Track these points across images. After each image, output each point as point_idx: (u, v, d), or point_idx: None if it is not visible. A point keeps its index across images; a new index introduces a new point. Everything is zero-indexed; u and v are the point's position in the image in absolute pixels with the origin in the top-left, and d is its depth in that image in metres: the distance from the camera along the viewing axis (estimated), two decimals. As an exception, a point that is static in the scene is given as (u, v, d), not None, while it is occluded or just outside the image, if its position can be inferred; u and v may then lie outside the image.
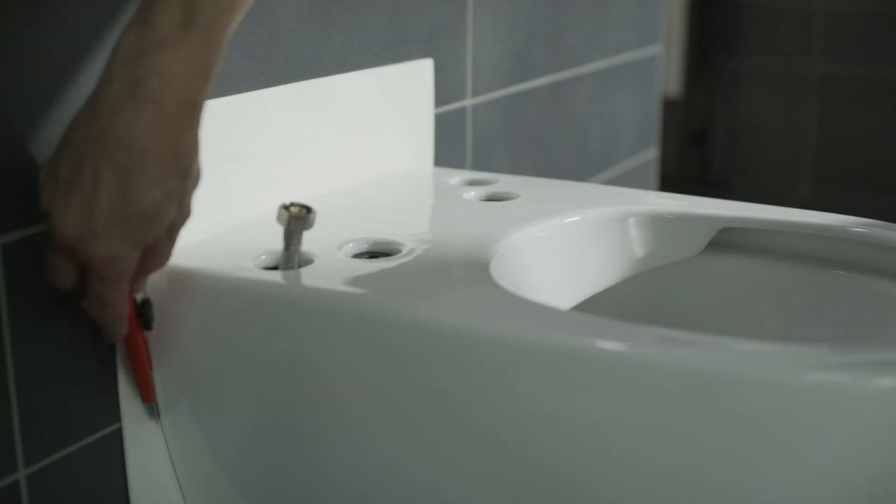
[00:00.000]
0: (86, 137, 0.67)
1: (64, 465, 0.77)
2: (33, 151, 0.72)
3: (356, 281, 0.78)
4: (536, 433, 0.70)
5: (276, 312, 0.78)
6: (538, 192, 1.01)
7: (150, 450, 0.83)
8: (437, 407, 0.74)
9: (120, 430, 0.81)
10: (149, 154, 0.66)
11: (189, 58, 0.66)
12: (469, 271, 0.80)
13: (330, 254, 0.82)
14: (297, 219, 0.78)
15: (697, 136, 2.83)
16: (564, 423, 0.69)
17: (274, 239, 0.82)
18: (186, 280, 0.80)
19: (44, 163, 0.71)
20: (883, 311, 0.90)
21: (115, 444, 0.81)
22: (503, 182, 1.04)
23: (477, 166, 1.22)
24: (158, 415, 0.83)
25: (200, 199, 0.84)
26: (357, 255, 0.84)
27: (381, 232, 0.87)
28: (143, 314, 0.78)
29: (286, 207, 0.78)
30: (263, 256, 0.82)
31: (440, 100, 1.14)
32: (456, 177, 1.07)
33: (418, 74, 1.08)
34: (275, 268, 0.81)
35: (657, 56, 1.66)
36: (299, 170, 0.95)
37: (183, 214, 0.71)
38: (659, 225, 0.96)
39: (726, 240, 0.96)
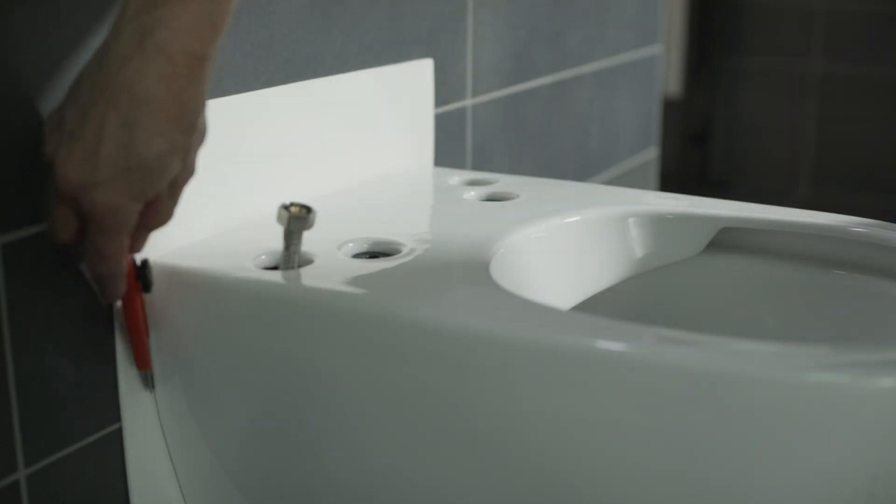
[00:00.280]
0: (93, 88, 0.67)
1: (64, 465, 0.77)
2: (32, 152, 0.72)
3: (356, 281, 0.78)
4: (536, 433, 0.70)
5: (276, 312, 0.78)
6: (538, 192, 1.01)
7: (150, 450, 0.83)
8: (437, 407, 0.74)
9: (120, 430, 0.81)
10: (154, 105, 0.66)
11: (199, 10, 0.66)
12: (469, 271, 0.80)
13: (330, 254, 0.82)
14: (297, 219, 0.78)
15: (697, 136, 2.83)
16: (564, 423, 0.69)
17: (274, 239, 0.82)
18: (186, 280, 0.80)
19: (50, 113, 0.71)
20: (883, 311, 0.90)
21: (115, 444, 0.81)
22: (503, 182, 1.04)
23: (477, 166, 1.22)
24: (153, 385, 0.82)
25: (200, 199, 0.85)
26: (357, 255, 0.84)
27: (381, 232, 0.87)
28: (142, 276, 0.77)
29: (286, 207, 0.78)
30: (263, 256, 0.82)
31: (440, 100, 1.14)
32: (456, 177, 1.07)
33: (418, 74, 1.08)
34: (275, 268, 0.81)
35: (657, 56, 1.66)
36: (299, 170, 0.95)
37: (186, 171, 0.71)
38: (659, 225, 0.96)
39: (726, 240, 0.96)
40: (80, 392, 0.78)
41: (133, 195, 0.68)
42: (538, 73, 1.32)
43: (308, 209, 0.79)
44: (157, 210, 0.72)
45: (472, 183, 1.04)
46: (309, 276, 0.79)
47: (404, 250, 0.84)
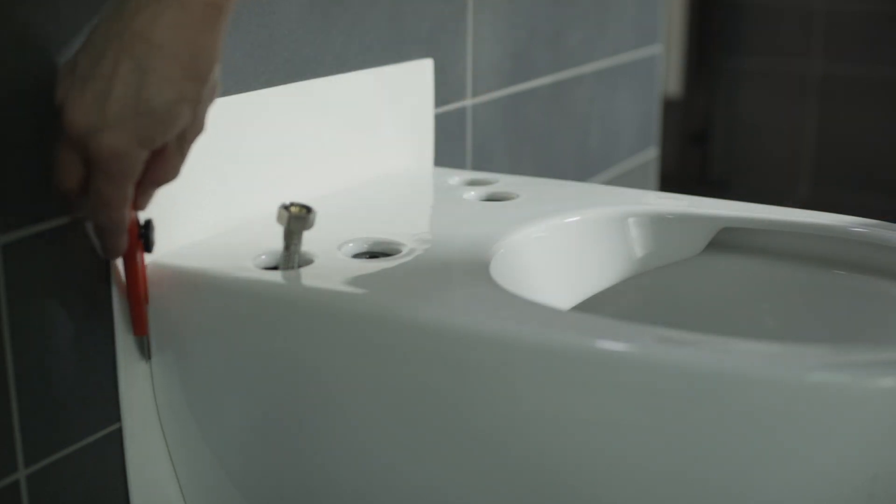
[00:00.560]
0: (108, 34, 0.67)
1: (64, 465, 0.77)
2: (32, 152, 0.72)
3: (356, 281, 0.78)
4: (536, 433, 0.70)
5: (276, 312, 0.78)
6: (538, 192, 1.01)
7: (150, 450, 0.83)
8: (436, 407, 0.74)
9: (120, 430, 0.81)
10: (167, 51, 0.66)
11: None
12: (469, 271, 0.80)
13: (330, 254, 0.82)
14: (297, 219, 0.78)
15: (697, 136, 2.83)
16: (564, 423, 0.69)
17: (274, 239, 0.82)
18: (186, 280, 0.80)
19: (64, 61, 0.71)
20: (883, 311, 0.90)
21: (115, 444, 0.81)
22: (503, 182, 1.04)
23: (477, 166, 1.22)
24: (149, 353, 0.81)
25: (200, 199, 0.85)
26: (357, 255, 0.84)
27: (381, 232, 0.87)
28: (144, 235, 0.77)
29: (286, 207, 0.79)
30: (263, 256, 0.82)
31: (440, 100, 1.14)
32: (456, 177, 1.07)
33: (418, 74, 1.08)
34: (275, 268, 0.81)
35: (657, 56, 1.66)
36: (299, 170, 0.95)
37: (196, 125, 0.71)
38: (659, 225, 0.96)
39: (726, 240, 0.96)
40: (80, 392, 0.78)
41: (140, 141, 0.68)
42: (538, 73, 1.32)
43: (308, 209, 0.79)
44: (163, 163, 0.71)
45: (472, 183, 1.04)
46: (309, 276, 0.79)
47: (404, 250, 0.84)
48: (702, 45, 2.77)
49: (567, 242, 0.92)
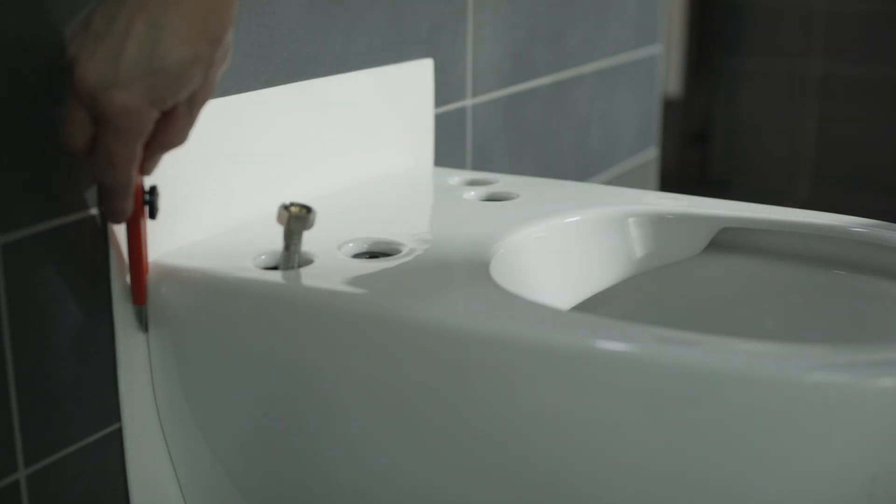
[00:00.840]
0: None
1: (64, 465, 0.77)
2: (32, 152, 0.72)
3: (356, 281, 0.78)
4: (536, 433, 0.70)
5: (276, 312, 0.78)
6: (538, 192, 1.01)
7: (150, 450, 0.83)
8: (436, 407, 0.74)
9: (120, 430, 0.81)
10: (183, 10, 0.66)
11: None
12: (469, 271, 0.80)
13: (330, 254, 0.82)
14: (297, 219, 0.78)
15: (697, 136, 2.83)
16: (564, 423, 0.69)
17: (274, 239, 0.82)
18: (186, 280, 0.80)
19: (79, 19, 0.71)
20: (883, 311, 0.90)
21: (115, 444, 0.81)
22: (503, 182, 1.04)
23: (477, 166, 1.22)
24: (146, 325, 0.81)
25: (200, 199, 0.85)
26: (357, 255, 0.84)
27: (381, 232, 0.87)
28: (149, 201, 0.76)
29: (286, 207, 0.79)
30: (263, 256, 0.82)
31: (440, 100, 1.14)
32: (456, 177, 1.07)
33: (418, 74, 1.08)
34: (275, 268, 0.81)
35: (657, 56, 1.66)
36: (299, 170, 0.95)
37: (207, 88, 0.71)
38: (659, 225, 0.96)
39: (726, 240, 0.96)
40: (80, 392, 0.78)
41: (151, 99, 0.68)
42: (538, 73, 1.32)
43: (308, 209, 0.79)
44: (172, 125, 0.71)
45: (472, 183, 1.04)
46: (309, 276, 0.79)
47: (404, 250, 0.84)
48: (702, 45, 2.77)
49: (567, 242, 0.92)
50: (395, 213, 0.95)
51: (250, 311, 0.79)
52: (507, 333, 0.70)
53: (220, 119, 0.84)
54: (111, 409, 0.81)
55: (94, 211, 0.77)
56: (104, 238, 0.78)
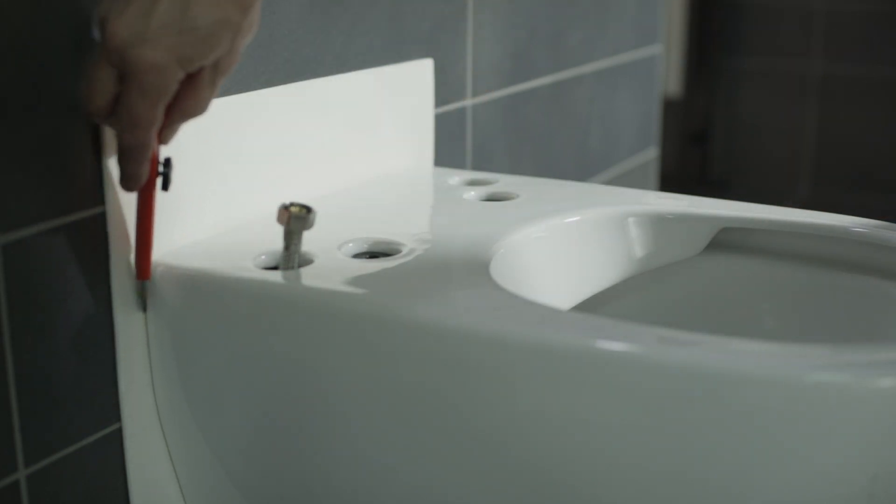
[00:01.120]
0: None
1: (64, 465, 0.77)
2: (33, 152, 0.72)
3: (356, 281, 0.78)
4: (536, 433, 0.70)
5: (276, 312, 0.78)
6: (538, 192, 1.01)
7: (150, 450, 0.83)
8: (436, 407, 0.74)
9: (120, 430, 0.81)
10: None
11: None
12: (469, 271, 0.80)
13: (330, 254, 0.82)
14: (297, 219, 0.78)
15: (697, 136, 2.83)
16: (564, 423, 0.69)
17: (274, 239, 0.82)
18: (186, 280, 0.80)
19: None
20: (883, 311, 0.90)
21: (115, 444, 0.81)
22: (503, 182, 1.04)
23: (477, 166, 1.22)
24: (145, 304, 0.81)
25: (200, 199, 0.85)
26: (357, 255, 0.84)
27: (381, 232, 0.87)
28: (164, 173, 0.76)
29: (286, 207, 0.79)
30: (263, 256, 0.82)
31: (440, 100, 1.14)
32: (456, 177, 1.07)
33: (418, 74, 1.08)
34: (275, 268, 0.81)
35: (657, 56, 1.66)
36: (299, 170, 0.95)
37: (232, 55, 0.71)
38: (659, 225, 0.96)
39: (726, 240, 0.96)
40: (80, 392, 0.78)
41: (179, 59, 0.68)
42: (538, 73, 1.32)
43: (308, 209, 0.79)
44: (194, 93, 0.72)
45: (472, 183, 1.04)
46: (309, 276, 0.79)
47: (404, 250, 0.84)
48: (702, 45, 2.77)
49: (567, 242, 0.92)
50: (395, 213, 0.95)
51: (250, 311, 0.79)
52: (507, 333, 0.70)
53: (220, 119, 0.84)
54: (111, 409, 0.81)
55: (94, 211, 0.77)
56: (104, 238, 0.78)
